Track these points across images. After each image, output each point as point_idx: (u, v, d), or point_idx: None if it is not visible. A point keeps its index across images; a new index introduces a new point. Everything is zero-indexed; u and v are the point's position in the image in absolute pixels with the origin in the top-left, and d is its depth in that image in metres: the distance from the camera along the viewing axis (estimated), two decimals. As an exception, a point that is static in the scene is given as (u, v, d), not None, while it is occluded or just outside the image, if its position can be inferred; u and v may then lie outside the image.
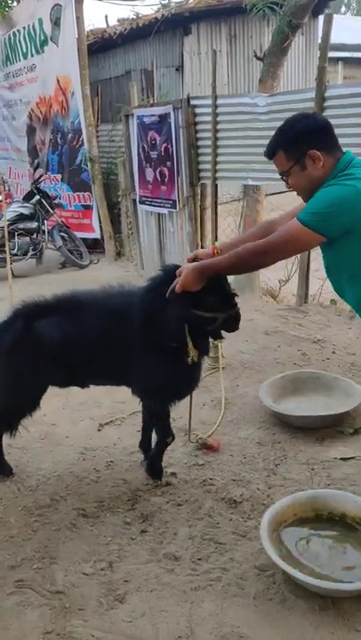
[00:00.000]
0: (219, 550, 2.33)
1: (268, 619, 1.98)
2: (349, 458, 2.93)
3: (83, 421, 3.54)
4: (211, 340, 2.66)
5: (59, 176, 8.59)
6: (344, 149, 2.06)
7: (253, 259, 2.09)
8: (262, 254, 2.05)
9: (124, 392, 3.89)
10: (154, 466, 2.85)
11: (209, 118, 5.59)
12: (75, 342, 2.61)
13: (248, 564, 2.24)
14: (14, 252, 7.08)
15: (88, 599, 2.14)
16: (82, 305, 2.66)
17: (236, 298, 2.41)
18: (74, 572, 2.28)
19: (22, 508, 2.71)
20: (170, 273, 2.37)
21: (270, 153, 2.09)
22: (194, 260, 2.38)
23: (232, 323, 2.43)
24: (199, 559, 2.29)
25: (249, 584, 2.14)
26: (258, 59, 5.89)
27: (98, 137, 7.80)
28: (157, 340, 2.48)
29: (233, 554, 2.30)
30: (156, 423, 2.84)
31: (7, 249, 5.83)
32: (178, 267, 2.35)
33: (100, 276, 7.19)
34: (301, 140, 1.98)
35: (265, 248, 2.03)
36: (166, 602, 2.09)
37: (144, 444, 3.01)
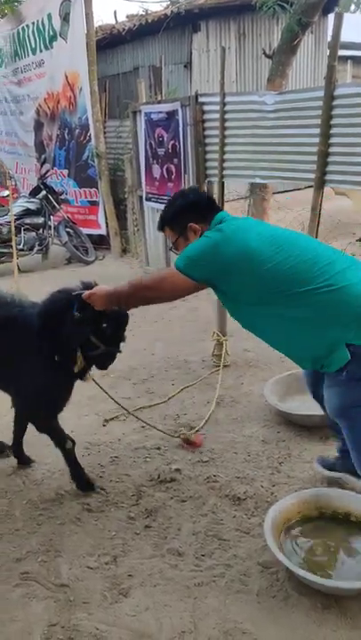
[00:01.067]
0: (222, 547, 2.35)
1: (271, 616, 1.99)
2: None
3: (88, 416, 3.56)
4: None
5: (65, 171, 8.60)
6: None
7: (140, 292, 2.27)
8: (147, 289, 2.25)
9: (128, 388, 3.95)
10: (78, 479, 2.77)
11: (217, 116, 5.58)
12: None
13: (251, 561, 2.25)
14: (20, 247, 7.10)
15: (92, 593, 2.15)
16: None
17: (122, 344, 2.58)
18: (78, 565, 2.29)
19: (27, 502, 2.73)
20: (67, 291, 2.51)
21: (160, 228, 2.43)
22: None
23: (106, 359, 2.60)
24: (203, 555, 2.30)
25: (252, 581, 2.15)
26: (267, 57, 5.88)
27: (105, 133, 7.81)
28: (46, 349, 2.52)
29: (236, 550, 2.32)
30: (50, 435, 2.76)
31: (14, 244, 5.83)
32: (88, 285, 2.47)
33: (106, 272, 7.21)
34: (181, 218, 2.29)
35: (150, 283, 2.26)
36: (170, 597, 2.10)
37: (14, 448, 3.04)
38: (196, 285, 2.14)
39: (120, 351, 2.60)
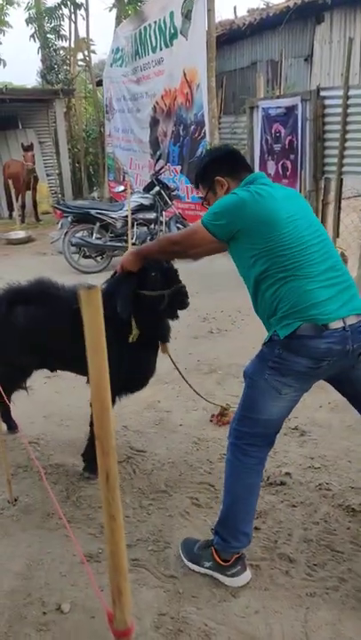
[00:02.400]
0: (336, 558, 2.25)
1: (389, 638, 1.88)
2: None
3: (196, 411, 3.58)
4: None
5: (178, 168, 8.73)
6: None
7: (168, 246, 2.32)
8: (174, 244, 2.29)
9: (237, 385, 3.92)
10: (92, 458, 2.87)
11: (339, 110, 5.39)
12: (42, 330, 2.78)
13: (367, 578, 2.14)
14: (133, 241, 7.30)
15: (201, 588, 2.16)
16: (50, 295, 2.83)
17: (177, 275, 2.64)
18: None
19: (137, 490, 2.80)
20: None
21: (195, 185, 2.49)
22: None
23: (179, 298, 2.64)
24: (315, 565, 2.23)
25: (369, 599, 2.05)
26: (397, 46, 5.56)
27: (220, 129, 7.81)
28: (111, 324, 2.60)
29: (351, 564, 2.21)
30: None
31: (129, 238, 6.00)
32: None
33: (211, 267, 7.22)
34: (209, 171, 2.32)
35: (176, 238, 2.33)
36: (280, 603, 2.06)
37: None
38: (219, 245, 2.18)
39: (184, 286, 2.67)
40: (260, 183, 2.19)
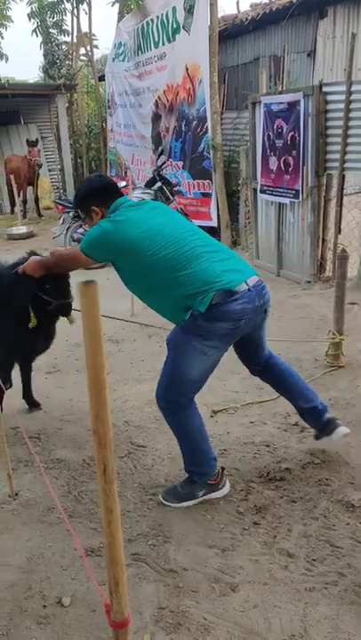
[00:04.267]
0: (335, 554, 2.26)
1: (387, 633, 1.89)
2: None
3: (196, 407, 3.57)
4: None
5: (180, 163, 8.71)
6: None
7: (61, 262, 2.83)
8: (65, 261, 2.81)
9: (236, 381, 3.93)
10: None
11: (341, 106, 5.37)
12: None
13: (366, 573, 2.15)
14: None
15: (200, 582, 2.17)
16: None
17: (69, 294, 3.18)
18: (187, 553, 2.32)
19: (138, 485, 2.81)
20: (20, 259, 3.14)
21: (74, 207, 3.06)
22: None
23: (64, 309, 3.19)
24: (314, 560, 2.24)
25: (367, 593, 2.05)
26: None
27: (222, 125, 7.79)
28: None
29: (350, 560, 2.22)
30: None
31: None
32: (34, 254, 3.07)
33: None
34: (86, 201, 2.70)
35: (67, 257, 2.82)
36: (279, 598, 2.07)
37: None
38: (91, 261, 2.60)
39: (71, 300, 3.19)
40: (121, 209, 2.58)
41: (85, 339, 0.68)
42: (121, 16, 11.56)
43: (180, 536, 2.43)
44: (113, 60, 11.19)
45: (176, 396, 2.52)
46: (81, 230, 7.41)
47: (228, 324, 2.37)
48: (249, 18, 8.33)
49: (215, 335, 2.38)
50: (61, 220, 7.70)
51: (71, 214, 7.36)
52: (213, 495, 2.64)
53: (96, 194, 2.67)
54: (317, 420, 2.86)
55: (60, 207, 7.86)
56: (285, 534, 2.39)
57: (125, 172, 10.44)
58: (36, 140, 11.42)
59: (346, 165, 5.46)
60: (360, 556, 2.23)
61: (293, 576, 2.16)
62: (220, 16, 7.92)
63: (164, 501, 2.64)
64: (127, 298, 5.41)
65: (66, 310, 3.21)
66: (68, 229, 7.31)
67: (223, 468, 2.71)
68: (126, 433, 3.31)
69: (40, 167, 11.27)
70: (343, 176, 5.55)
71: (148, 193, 7.79)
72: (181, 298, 2.40)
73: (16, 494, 2.75)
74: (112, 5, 13.11)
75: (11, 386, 3.40)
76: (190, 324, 2.39)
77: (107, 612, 0.84)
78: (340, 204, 5.64)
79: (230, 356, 4.02)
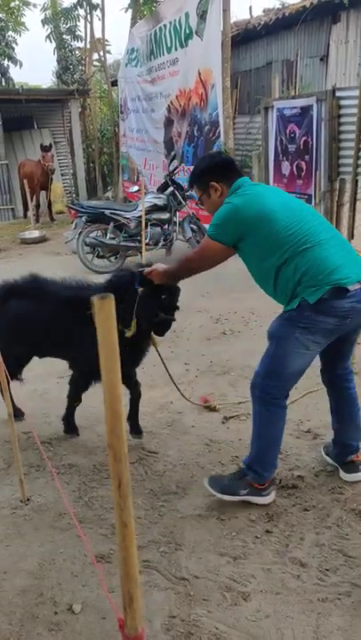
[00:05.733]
0: (348, 564, 2.24)
1: None
2: None
3: (208, 413, 3.57)
4: None
5: (192, 168, 8.70)
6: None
7: (188, 264, 2.66)
8: (192, 261, 2.65)
9: (248, 387, 3.90)
10: (67, 423, 3.34)
11: (355, 110, 5.35)
12: (32, 321, 3.11)
13: (380, 584, 2.12)
14: (147, 241, 7.31)
15: (212, 591, 2.15)
16: (42, 291, 3.14)
17: (176, 311, 2.99)
18: (198, 561, 2.31)
19: (149, 492, 2.80)
20: (129, 270, 3.00)
21: (189, 185, 2.85)
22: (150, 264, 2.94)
23: (164, 326, 3.01)
24: (327, 569, 2.21)
25: (381, 605, 2.03)
26: None
27: (234, 129, 7.79)
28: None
29: (364, 570, 2.20)
30: (73, 387, 3.29)
31: (143, 239, 6.01)
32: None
33: (224, 267, 7.20)
34: (205, 176, 2.61)
35: (192, 257, 2.65)
36: (292, 608, 2.05)
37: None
38: (230, 251, 2.50)
39: (174, 319, 2.99)
40: (246, 186, 2.52)
41: (101, 354, 0.68)
42: (134, 22, 11.61)
43: (192, 543, 2.42)
44: (126, 65, 11.25)
45: (273, 389, 2.51)
46: (94, 234, 7.44)
47: (335, 320, 2.35)
48: (262, 23, 8.34)
49: (319, 330, 2.36)
50: (74, 225, 7.72)
51: (84, 219, 7.39)
52: (254, 499, 2.61)
53: (217, 169, 2.60)
54: (343, 455, 2.80)
55: (73, 212, 7.89)
56: (298, 543, 2.37)
57: (138, 177, 10.47)
58: (50, 144, 11.49)
59: (359, 170, 5.43)
60: (374, 567, 2.21)
61: (306, 586, 2.14)
62: (232, 21, 7.93)
63: (207, 486, 2.65)
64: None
65: (166, 329, 3.04)
66: (80, 234, 7.33)
67: (274, 479, 2.68)
68: (137, 439, 3.30)
69: (53, 172, 11.34)
70: (356, 181, 5.52)
71: (161, 198, 7.80)
72: (295, 284, 2.37)
73: (28, 499, 2.75)
74: (125, 11, 13.18)
75: (80, 402, 3.31)
76: (297, 314, 2.37)
77: (120, 628, 0.83)
78: (353, 209, 5.61)
79: (241, 362, 4.01)
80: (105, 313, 0.66)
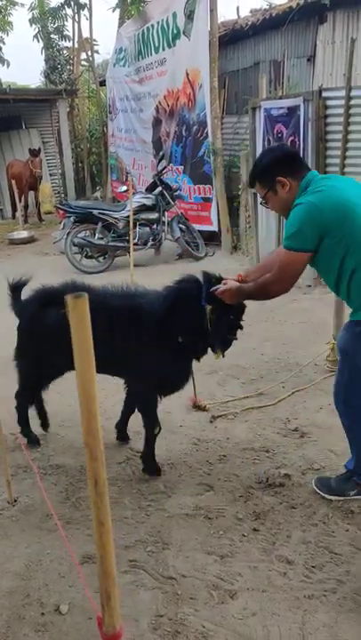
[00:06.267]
0: (334, 560, 2.25)
1: (386, 641, 1.88)
2: None
3: (196, 412, 3.58)
4: None
5: (181, 168, 8.73)
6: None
7: (267, 288, 2.42)
8: (273, 284, 2.39)
9: (237, 387, 3.93)
10: (148, 461, 2.92)
11: (341, 111, 5.37)
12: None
13: (366, 580, 2.14)
14: (135, 241, 7.30)
15: (199, 589, 2.16)
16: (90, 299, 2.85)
17: (239, 327, 2.78)
18: (185, 560, 2.31)
19: (137, 491, 2.80)
20: (195, 279, 2.75)
21: (250, 184, 2.55)
22: (222, 279, 2.68)
23: (223, 344, 2.78)
24: (313, 567, 2.23)
25: (366, 601, 2.05)
26: None
27: (222, 129, 7.80)
28: (167, 333, 2.72)
29: (350, 567, 2.21)
30: (147, 416, 2.92)
31: (130, 238, 6.01)
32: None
33: (215, 268, 7.21)
34: (270, 171, 2.36)
35: (273, 279, 2.38)
36: (278, 605, 2.06)
37: (119, 425, 3.24)
38: (310, 256, 2.28)
39: (237, 338, 2.80)
40: (317, 180, 2.31)
41: (75, 353, 0.68)
42: (122, 22, 11.60)
43: (179, 542, 2.42)
44: (114, 65, 11.24)
45: (357, 401, 2.45)
46: (82, 234, 7.42)
47: None
48: (249, 23, 8.35)
49: None
50: (62, 225, 7.70)
51: (72, 219, 7.37)
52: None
53: (282, 163, 2.36)
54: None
55: (62, 212, 7.87)
56: (284, 541, 2.38)
57: (126, 177, 10.46)
58: (39, 149, 11.46)
59: (346, 170, 5.46)
60: (359, 563, 2.23)
61: (292, 583, 2.16)
62: (220, 22, 7.94)
63: (315, 488, 2.66)
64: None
65: (226, 348, 2.82)
66: (68, 234, 7.32)
67: None
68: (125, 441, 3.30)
69: (41, 179, 11.37)
70: (343, 181, 5.55)
71: (149, 198, 7.80)
72: None
73: (15, 500, 2.74)
74: (113, 11, 13.16)
75: (160, 429, 2.97)
76: None
77: (99, 625, 0.83)
78: (340, 209, 5.64)
79: (229, 362, 4.02)
80: (79, 312, 0.66)
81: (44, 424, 3.39)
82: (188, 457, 3.07)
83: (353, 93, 5.26)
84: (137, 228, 7.50)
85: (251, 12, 9.20)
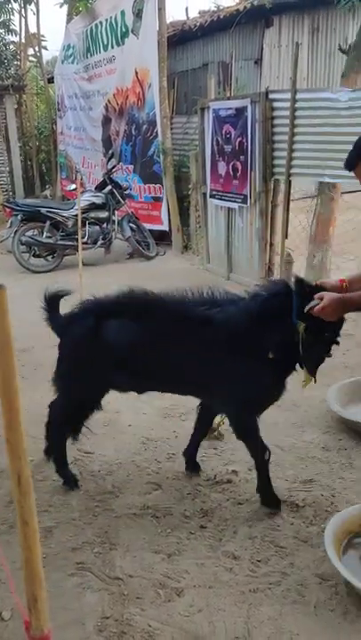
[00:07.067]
0: (279, 554, 2.29)
1: (328, 630, 1.93)
2: None
3: (145, 411, 3.56)
4: None
5: (131, 167, 8.69)
6: None
7: None
8: None
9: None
10: (266, 492, 2.56)
11: (287, 113, 5.47)
12: (143, 349, 2.50)
13: (309, 571, 2.18)
14: (84, 240, 7.22)
15: (146, 589, 2.15)
16: (155, 309, 2.54)
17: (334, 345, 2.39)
18: (133, 560, 2.30)
19: (84, 492, 2.77)
20: (285, 289, 2.38)
21: (349, 165, 2.19)
22: (319, 287, 2.30)
23: (316, 365, 2.41)
24: (258, 561, 2.26)
25: (310, 592, 2.09)
26: (342, 52, 5.70)
27: (172, 129, 7.82)
28: (256, 348, 2.38)
29: (293, 559, 2.25)
30: (249, 440, 2.56)
31: (79, 237, 5.93)
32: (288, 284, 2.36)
33: (166, 268, 7.24)
34: None
35: None
36: (224, 600, 2.07)
37: (189, 451, 2.88)
38: None
39: (331, 355, 2.44)
40: None
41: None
42: (70, 18, 11.44)
43: (127, 542, 2.41)
44: (62, 62, 11.07)
45: None
46: (30, 233, 7.28)
47: None
48: (197, 24, 8.41)
49: None
50: (9, 224, 7.52)
51: (19, 217, 7.22)
52: None
53: None
54: None
55: (8, 210, 7.69)
56: (231, 537, 2.40)
57: (76, 175, 10.32)
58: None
59: (292, 171, 5.56)
60: (303, 555, 2.27)
61: (238, 578, 2.17)
62: (168, 22, 7.96)
63: None
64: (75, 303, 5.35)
65: (318, 364, 2.45)
66: (15, 233, 7.16)
67: None
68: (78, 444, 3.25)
69: None
70: (290, 181, 5.65)
71: (99, 196, 7.73)
72: None
73: None
74: (60, 7, 12.95)
75: (270, 453, 2.59)
76: None
77: (26, 629, 0.81)
78: (287, 209, 5.74)
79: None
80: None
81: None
82: (137, 456, 3.05)
83: (298, 96, 5.37)
84: (86, 227, 7.42)
85: (199, 13, 9.27)
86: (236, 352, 2.40)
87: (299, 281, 2.33)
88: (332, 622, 1.95)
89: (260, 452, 2.53)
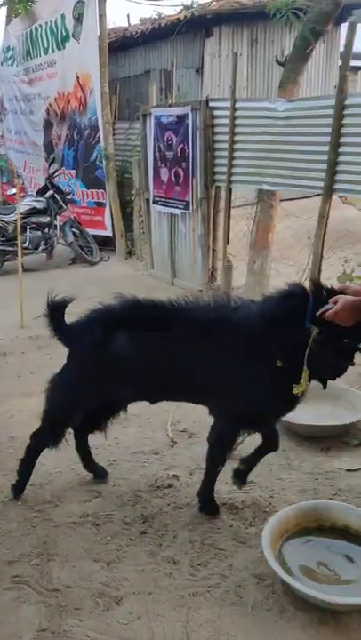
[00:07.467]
0: (218, 556, 2.31)
1: (265, 629, 1.96)
2: (355, 470, 2.90)
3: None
4: None
5: (73, 172, 8.60)
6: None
7: None
8: None
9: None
10: (207, 500, 2.58)
11: (227, 121, 5.57)
12: (156, 363, 2.45)
13: (247, 572, 2.21)
14: (25, 245, 7.08)
15: (84, 599, 2.12)
16: (169, 319, 2.45)
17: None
18: (71, 570, 2.26)
19: (22, 503, 2.70)
20: (301, 292, 2.27)
21: None
22: (340, 290, 2.17)
23: (334, 374, 2.33)
24: (198, 564, 2.27)
25: (247, 592, 2.12)
26: (279, 64, 5.86)
27: (114, 135, 7.80)
28: (265, 355, 2.27)
29: (232, 561, 2.28)
30: (216, 447, 2.54)
31: (19, 242, 5.82)
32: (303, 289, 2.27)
33: (110, 273, 7.20)
34: None
35: None
36: (163, 606, 2.07)
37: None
38: None
39: (353, 364, 2.27)
40: None
41: None
42: (9, 19, 11.22)
43: (65, 552, 2.37)
44: (2, 64, 10.83)
45: None
46: None
47: None
48: (139, 31, 8.45)
49: None
50: None
51: None
52: None
53: None
54: None
55: None
56: (171, 541, 2.41)
57: (17, 180, 10.12)
58: None
59: (233, 178, 5.66)
60: (242, 556, 2.30)
61: (177, 582, 2.18)
62: (110, 27, 7.96)
63: None
64: (16, 309, 5.24)
65: (338, 376, 2.33)
66: None
67: None
68: (12, 449, 3.18)
69: None
70: (230, 188, 5.75)
71: (40, 201, 7.62)
72: None
73: None
74: None
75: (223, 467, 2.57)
76: None
77: None
78: (228, 216, 5.83)
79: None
80: None
81: (101, 473, 2.88)
82: (77, 465, 2.99)
83: (238, 105, 5.48)
84: (27, 232, 7.29)
85: (140, 20, 9.31)
86: (248, 356, 2.32)
87: (315, 284, 2.25)
88: (268, 621, 1.98)
89: (218, 463, 2.53)
